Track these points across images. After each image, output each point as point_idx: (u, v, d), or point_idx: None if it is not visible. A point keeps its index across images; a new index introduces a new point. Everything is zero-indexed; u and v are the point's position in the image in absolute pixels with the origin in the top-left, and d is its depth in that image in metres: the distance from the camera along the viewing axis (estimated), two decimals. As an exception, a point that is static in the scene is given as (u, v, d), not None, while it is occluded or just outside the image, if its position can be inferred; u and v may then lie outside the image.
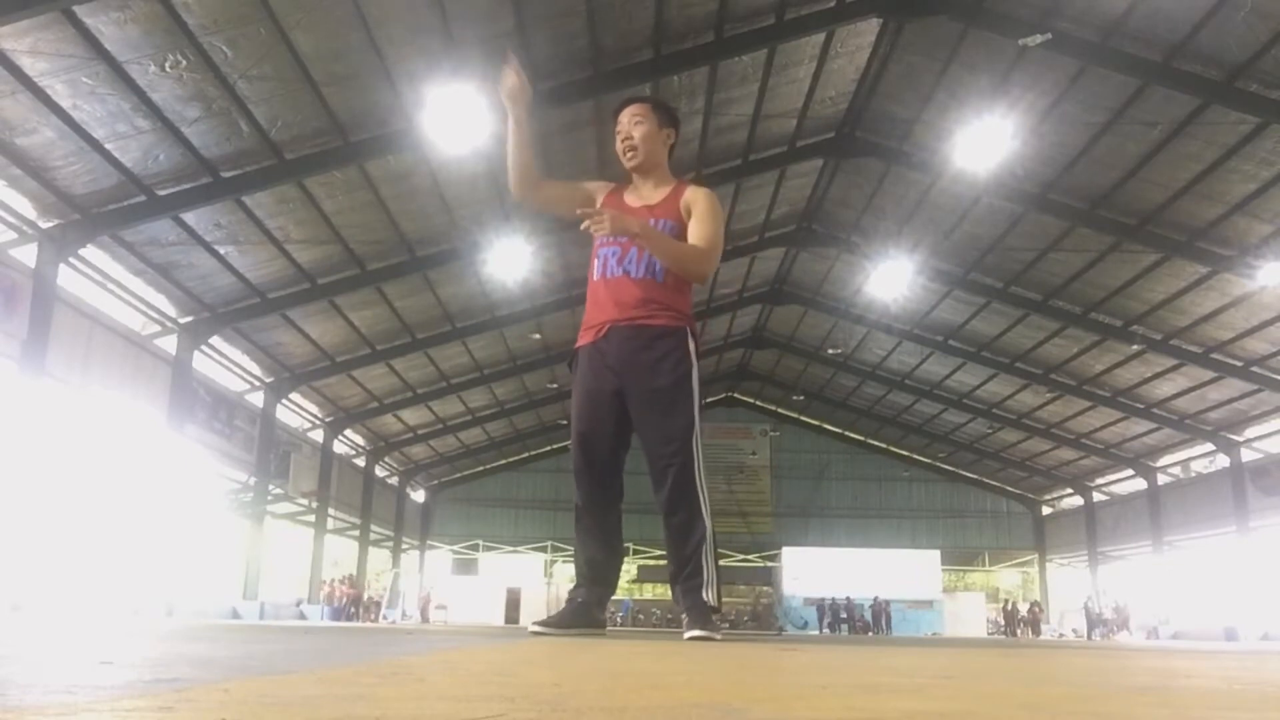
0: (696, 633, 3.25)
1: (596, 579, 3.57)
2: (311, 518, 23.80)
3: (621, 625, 31.27)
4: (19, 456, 12.25)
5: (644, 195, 3.56)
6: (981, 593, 34.83)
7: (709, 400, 32.83)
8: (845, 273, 22.49)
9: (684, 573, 3.39)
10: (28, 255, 12.66)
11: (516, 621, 27.42)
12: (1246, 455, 23.69)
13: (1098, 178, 15.66)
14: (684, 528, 3.37)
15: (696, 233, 3.44)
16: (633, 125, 3.51)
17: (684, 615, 3.39)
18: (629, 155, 3.53)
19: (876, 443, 33.97)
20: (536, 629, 3.57)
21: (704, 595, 3.35)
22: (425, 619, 27.33)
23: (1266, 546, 23.22)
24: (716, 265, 3.57)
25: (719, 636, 3.31)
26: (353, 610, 24.31)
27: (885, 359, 26.35)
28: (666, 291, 3.44)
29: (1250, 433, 23.42)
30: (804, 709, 1.00)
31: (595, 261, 3.56)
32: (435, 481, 33.90)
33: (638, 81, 13.75)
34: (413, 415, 26.07)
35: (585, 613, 3.52)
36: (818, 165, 18.52)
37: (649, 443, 3.41)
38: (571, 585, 3.67)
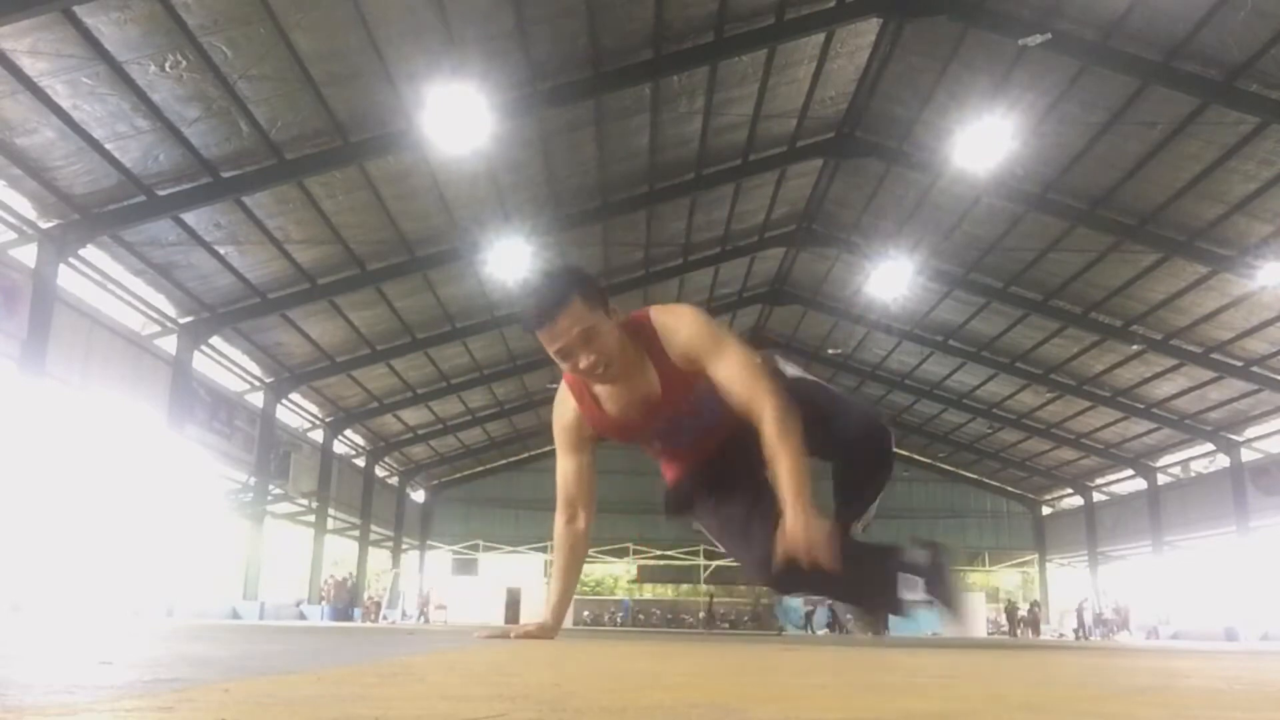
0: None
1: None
2: (311, 518, 23.80)
3: (621, 625, 31.28)
4: (19, 457, 12.25)
5: (629, 385, 2.66)
6: (981, 593, 34.83)
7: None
8: (845, 273, 22.48)
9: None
10: (28, 255, 12.64)
11: (516, 622, 27.38)
12: (1246, 455, 23.69)
13: (1098, 178, 15.66)
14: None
15: (725, 378, 2.57)
16: (582, 350, 2.49)
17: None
18: (603, 375, 2.57)
19: (876, 443, 33.93)
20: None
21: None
22: (426, 617, 27.26)
23: (1266, 546, 23.22)
24: (772, 383, 2.57)
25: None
26: (349, 606, 24.29)
27: (885, 359, 26.35)
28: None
29: (1250, 433, 23.42)
30: (804, 709, 1.00)
31: (664, 457, 2.94)
32: (435, 481, 33.89)
33: (638, 81, 13.76)
34: (413, 415, 26.07)
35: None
36: (818, 165, 18.52)
37: None
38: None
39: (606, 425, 2.75)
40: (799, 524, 2.31)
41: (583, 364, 2.51)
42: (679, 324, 2.62)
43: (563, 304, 2.46)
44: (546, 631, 3.07)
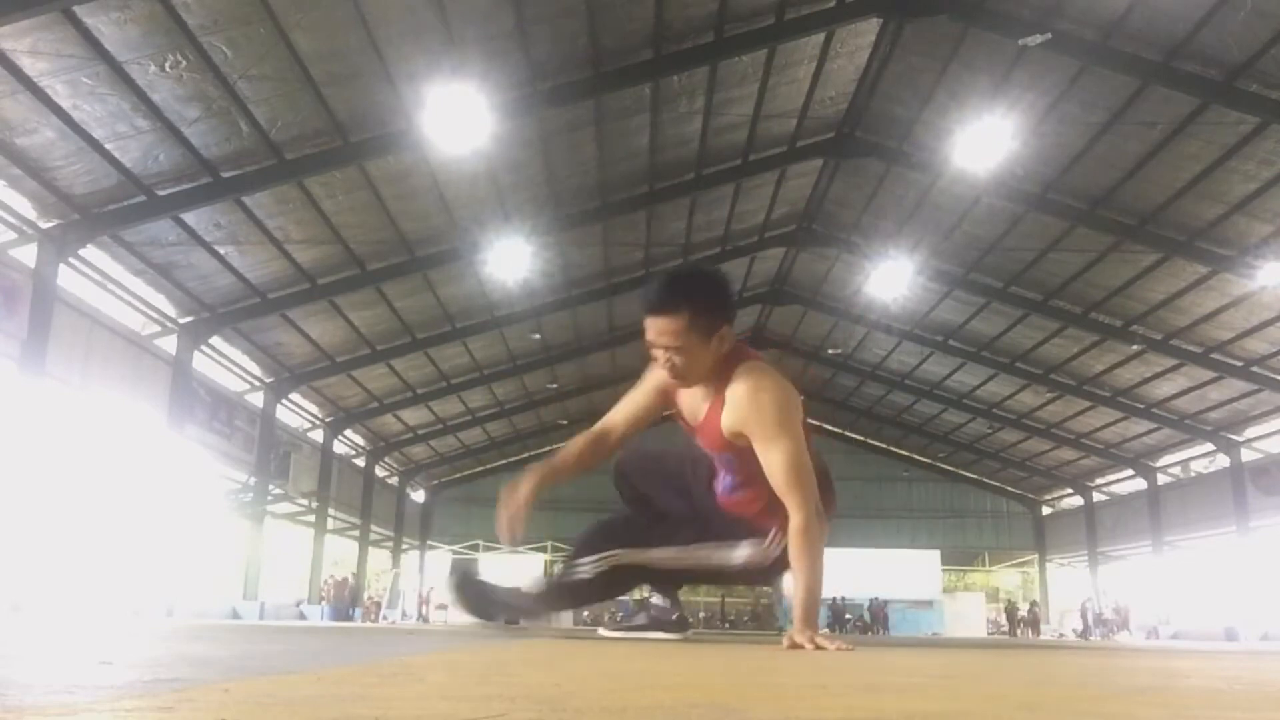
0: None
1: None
2: (311, 518, 23.80)
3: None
4: (19, 457, 12.25)
5: (691, 394, 2.94)
6: (981, 593, 34.84)
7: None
8: (845, 273, 22.48)
9: None
10: (28, 255, 12.65)
11: (516, 622, 27.35)
12: (1246, 455, 23.69)
13: (1098, 178, 15.66)
14: None
15: (770, 467, 2.73)
16: (663, 353, 2.73)
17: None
18: (671, 376, 2.83)
19: (876, 443, 33.97)
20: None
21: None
22: (425, 618, 27.20)
23: (1266, 546, 23.22)
24: (812, 495, 2.75)
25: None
26: (349, 606, 24.27)
27: (885, 359, 26.35)
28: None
29: (1250, 433, 23.42)
30: (804, 709, 1.00)
31: None
32: (435, 481, 33.89)
33: (638, 81, 13.75)
34: (413, 415, 26.07)
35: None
36: (818, 165, 18.52)
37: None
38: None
39: (673, 397, 2.98)
40: (803, 639, 2.61)
41: (660, 358, 2.75)
42: (743, 409, 2.73)
43: (670, 313, 2.67)
44: (526, 488, 3.11)
